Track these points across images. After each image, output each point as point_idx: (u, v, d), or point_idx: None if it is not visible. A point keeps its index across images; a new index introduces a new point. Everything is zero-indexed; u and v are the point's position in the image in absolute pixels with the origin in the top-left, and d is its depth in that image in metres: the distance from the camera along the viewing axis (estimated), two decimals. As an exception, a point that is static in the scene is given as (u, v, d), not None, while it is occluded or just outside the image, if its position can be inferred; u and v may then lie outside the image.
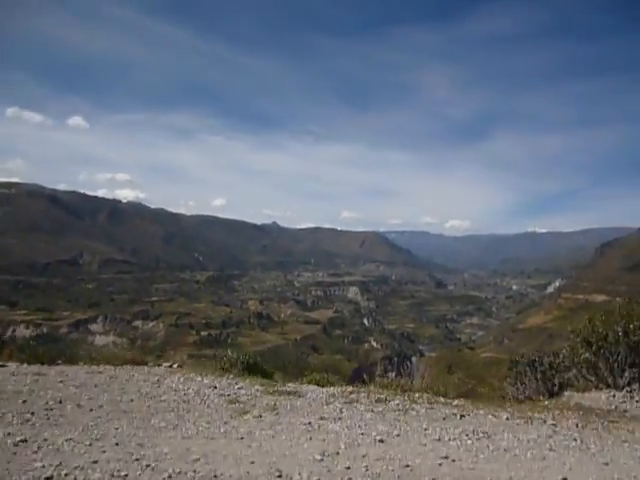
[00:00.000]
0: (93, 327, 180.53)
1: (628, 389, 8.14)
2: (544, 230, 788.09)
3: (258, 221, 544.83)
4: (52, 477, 4.24)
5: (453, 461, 5.11)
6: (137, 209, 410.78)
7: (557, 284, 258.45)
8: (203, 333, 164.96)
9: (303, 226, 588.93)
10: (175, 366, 11.23)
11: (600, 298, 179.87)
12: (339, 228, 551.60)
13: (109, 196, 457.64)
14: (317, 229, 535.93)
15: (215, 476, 4.43)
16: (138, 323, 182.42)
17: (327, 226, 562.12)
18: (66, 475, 4.29)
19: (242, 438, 5.65)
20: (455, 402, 7.95)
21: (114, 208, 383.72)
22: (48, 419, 6.10)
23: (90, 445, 5.13)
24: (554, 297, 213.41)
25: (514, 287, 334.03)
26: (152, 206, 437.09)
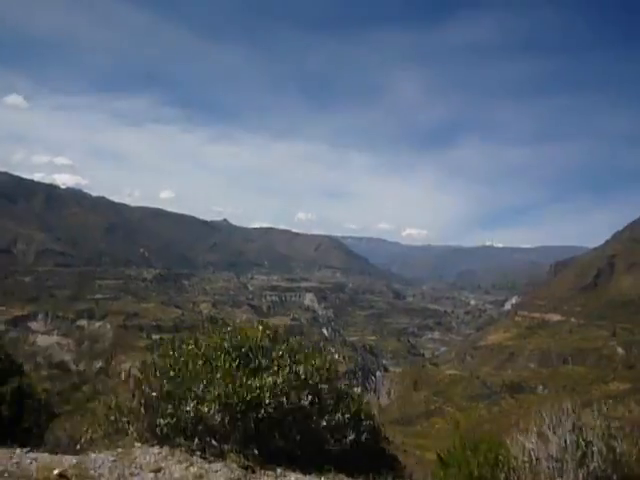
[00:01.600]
0: (33, 325, 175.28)
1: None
2: (501, 245, 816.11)
3: (208, 217, 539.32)
4: None
5: None
6: (77, 196, 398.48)
7: (514, 301, 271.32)
8: (154, 336, 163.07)
9: (256, 225, 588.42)
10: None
11: (555, 318, 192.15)
12: (294, 230, 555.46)
13: (46, 180, 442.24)
14: (270, 229, 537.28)
15: None
16: (83, 323, 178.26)
17: (282, 227, 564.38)
18: None
19: None
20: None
21: (51, 194, 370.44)
22: None
23: None
24: (511, 315, 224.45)
25: (472, 302, 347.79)
26: (93, 194, 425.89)
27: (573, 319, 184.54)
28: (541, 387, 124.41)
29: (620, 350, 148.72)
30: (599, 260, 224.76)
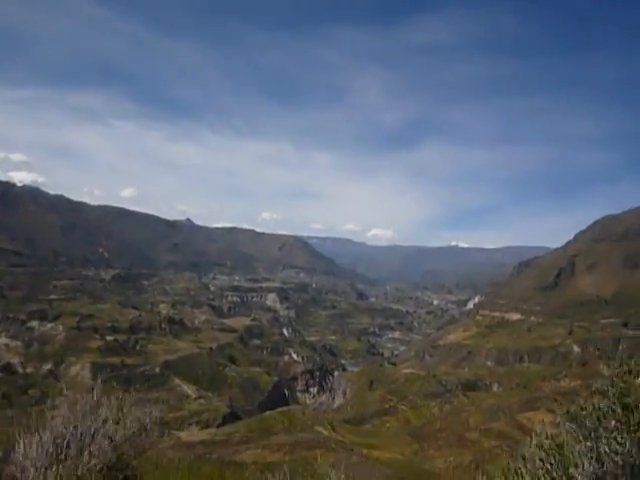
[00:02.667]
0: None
1: None
2: (466, 245, 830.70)
3: (170, 217, 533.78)
4: None
5: None
6: (33, 194, 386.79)
7: (476, 300, 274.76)
8: (109, 338, 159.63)
9: (219, 225, 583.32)
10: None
11: (515, 317, 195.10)
12: (258, 230, 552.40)
13: (2, 178, 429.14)
14: (234, 229, 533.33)
15: None
16: (34, 324, 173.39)
17: (245, 227, 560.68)
18: None
19: None
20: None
21: (6, 192, 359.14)
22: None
23: None
24: (472, 314, 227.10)
25: (435, 302, 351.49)
26: (51, 192, 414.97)
27: (532, 318, 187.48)
28: (496, 385, 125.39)
29: (576, 348, 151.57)
30: (560, 260, 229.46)
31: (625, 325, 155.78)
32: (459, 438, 62.47)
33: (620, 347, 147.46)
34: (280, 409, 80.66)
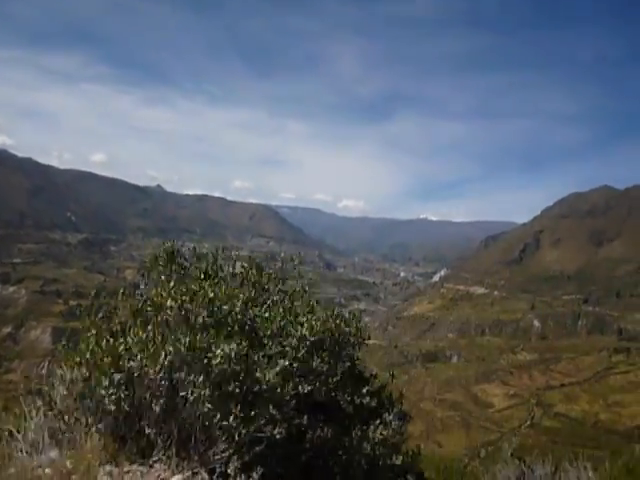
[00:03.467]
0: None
1: None
2: (435, 218, 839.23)
3: (141, 182, 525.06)
4: None
5: None
6: (0, 156, 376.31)
7: (442, 273, 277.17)
8: (72, 303, 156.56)
9: (190, 192, 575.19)
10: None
11: (480, 290, 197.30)
12: (229, 198, 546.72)
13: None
14: (204, 197, 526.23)
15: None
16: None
17: (217, 194, 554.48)
18: None
19: None
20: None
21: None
22: None
23: None
24: (437, 286, 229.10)
25: (402, 274, 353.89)
26: (19, 154, 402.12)
27: (496, 292, 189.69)
28: (456, 357, 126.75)
29: (536, 322, 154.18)
30: (526, 235, 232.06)
31: (586, 301, 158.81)
32: (413, 408, 62.29)
33: (580, 323, 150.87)
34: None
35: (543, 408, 61.02)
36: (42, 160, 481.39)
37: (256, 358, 4.29)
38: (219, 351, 3.88)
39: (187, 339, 3.86)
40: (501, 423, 56.34)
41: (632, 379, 68.43)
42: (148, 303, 4.70)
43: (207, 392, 3.68)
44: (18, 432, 3.76)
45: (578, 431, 56.18)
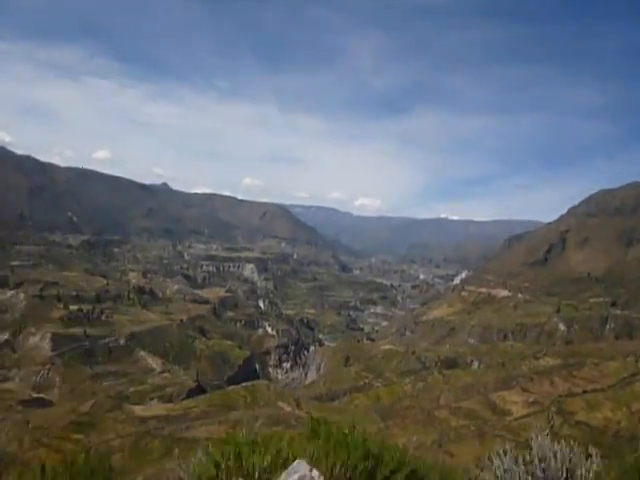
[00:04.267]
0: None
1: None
2: (455, 217, 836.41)
3: (147, 181, 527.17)
4: None
5: None
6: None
7: (463, 275, 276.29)
8: (72, 307, 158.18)
9: (198, 191, 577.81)
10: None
11: (502, 293, 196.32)
12: (239, 197, 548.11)
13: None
14: (213, 195, 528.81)
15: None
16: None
17: (226, 193, 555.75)
18: None
19: None
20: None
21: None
22: None
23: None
24: (458, 289, 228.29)
25: (421, 276, 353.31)
26: (18, 152, 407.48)
27: (520, 295, 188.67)
28: (476, 363, 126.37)
29: (562, 326, 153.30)
30: (552, 235, 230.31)
31: (614, 304, 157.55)
32: (427, 416, 62.82)
33: (607, 327, 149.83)
34: (244, 384, 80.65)
35: (563, 416, 61.02)
36: (43, 158, 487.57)
37: None
38: None
39: None
40: (518, 432, 56.56)
41: (659, 386, 68.43)
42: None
43: None
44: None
45: (598, 440, 56.14)
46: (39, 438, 56.48)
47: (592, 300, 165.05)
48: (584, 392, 66.05)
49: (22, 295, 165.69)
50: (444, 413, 64.12)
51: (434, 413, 63.92)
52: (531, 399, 64.03)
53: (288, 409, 63.70)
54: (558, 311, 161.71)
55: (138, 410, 63.77)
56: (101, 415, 60.02)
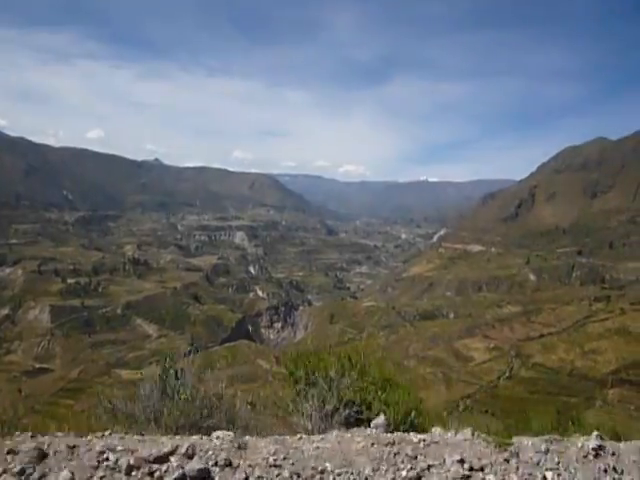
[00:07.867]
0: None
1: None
2: (436, 179, 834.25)
3: (140, 157, 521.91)
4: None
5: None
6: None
7: (442, 233, 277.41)
8: (70, 280, 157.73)
9: (189, 165, 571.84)
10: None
11: (477, 248, 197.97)
12: (229, 169, 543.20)
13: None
14: (204, 168, 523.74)
15: None
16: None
17: (217, 166, 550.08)
18: None
19: None
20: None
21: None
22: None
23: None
24: (435, 246, 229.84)
25: (403, 236, 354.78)
26: (13, 134, 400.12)
27: (493, 249, 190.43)
28: (452, 314, 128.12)
29: (532, 276, 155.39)
30: (522, 192, 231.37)
31: (580, 253, 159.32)
32: (396, 366, 63.82)
33: (574, 274, 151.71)
34: (227, 344, 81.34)
35: (521, 359, 62.45)
36: (38, 140, 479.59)
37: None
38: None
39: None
40: (480, 376, 57.87)
41: (609, 326, 69.57)
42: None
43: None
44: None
45: (554, 380, 57.55)
46: (32, 405, 57.04)
47: (560, 250, 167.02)
48: (541, 336, 67.34)
49: (20, 271, 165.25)
50: (412, 362, 65.26)
51: (403, 362, 65.03)
52: (492, 345, 65.28)
53: (267, 366, 64.50)
54: (528, 262, 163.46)
55: (125, 374, 64.38)
56: (89, 380, 60.53)
